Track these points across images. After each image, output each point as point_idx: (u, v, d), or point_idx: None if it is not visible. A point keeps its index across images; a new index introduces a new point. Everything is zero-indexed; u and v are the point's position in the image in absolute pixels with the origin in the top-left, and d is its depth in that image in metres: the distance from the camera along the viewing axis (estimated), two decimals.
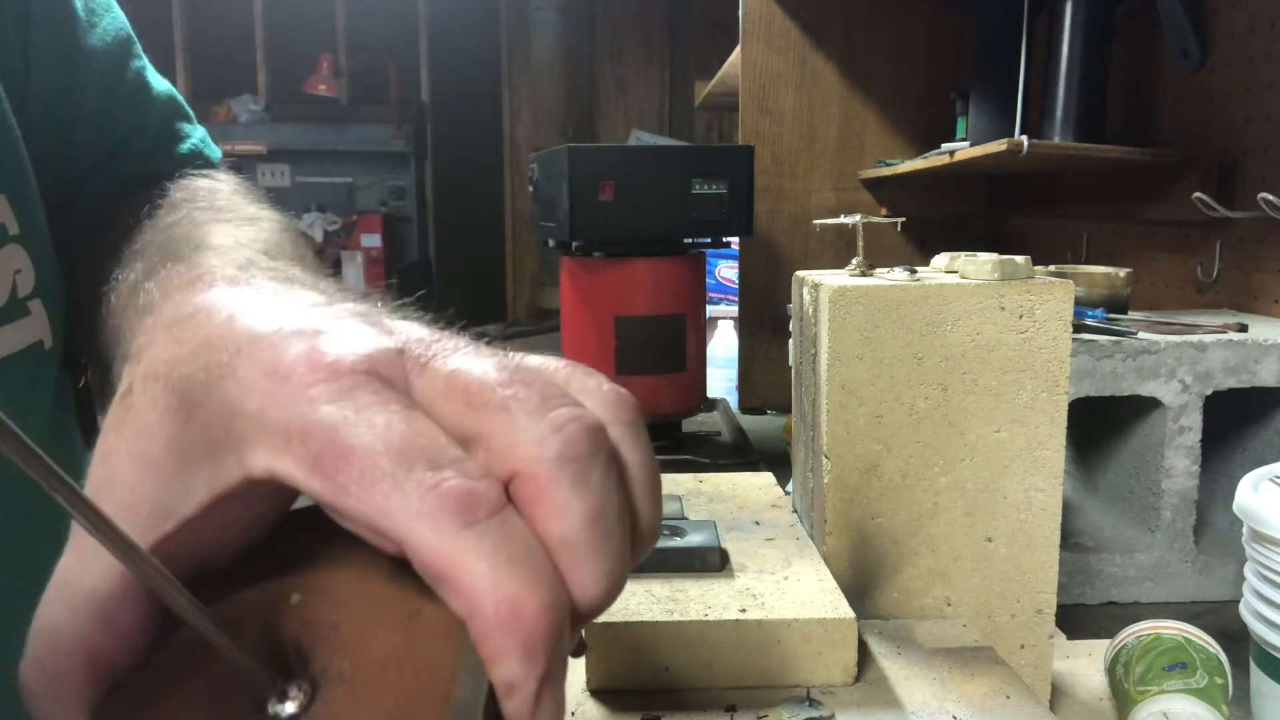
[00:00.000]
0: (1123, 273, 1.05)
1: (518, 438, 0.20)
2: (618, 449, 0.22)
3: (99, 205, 0.46)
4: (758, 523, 0.66)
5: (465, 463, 0.20)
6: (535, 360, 0.23)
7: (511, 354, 0.23)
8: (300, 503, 0.24)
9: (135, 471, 0.22)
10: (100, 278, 0.37)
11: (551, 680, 0.19)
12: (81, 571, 0.21)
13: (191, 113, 0.53)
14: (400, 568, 0.21)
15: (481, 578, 0.19)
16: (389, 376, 0.21)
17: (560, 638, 0.19)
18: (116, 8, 0.48)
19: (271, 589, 0.22)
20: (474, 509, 0.19)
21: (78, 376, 0.44)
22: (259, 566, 0.23)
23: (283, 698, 0.20)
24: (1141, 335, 0.89)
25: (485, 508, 0.19)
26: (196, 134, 0.52)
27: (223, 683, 0.21)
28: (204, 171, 0.49)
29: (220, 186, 0.46)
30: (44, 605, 0.21)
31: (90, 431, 0.44)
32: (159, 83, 0.50)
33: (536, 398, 0.21)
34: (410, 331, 0.23)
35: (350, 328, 0.23)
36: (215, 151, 0.52)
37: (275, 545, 0.24)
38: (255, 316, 0.23)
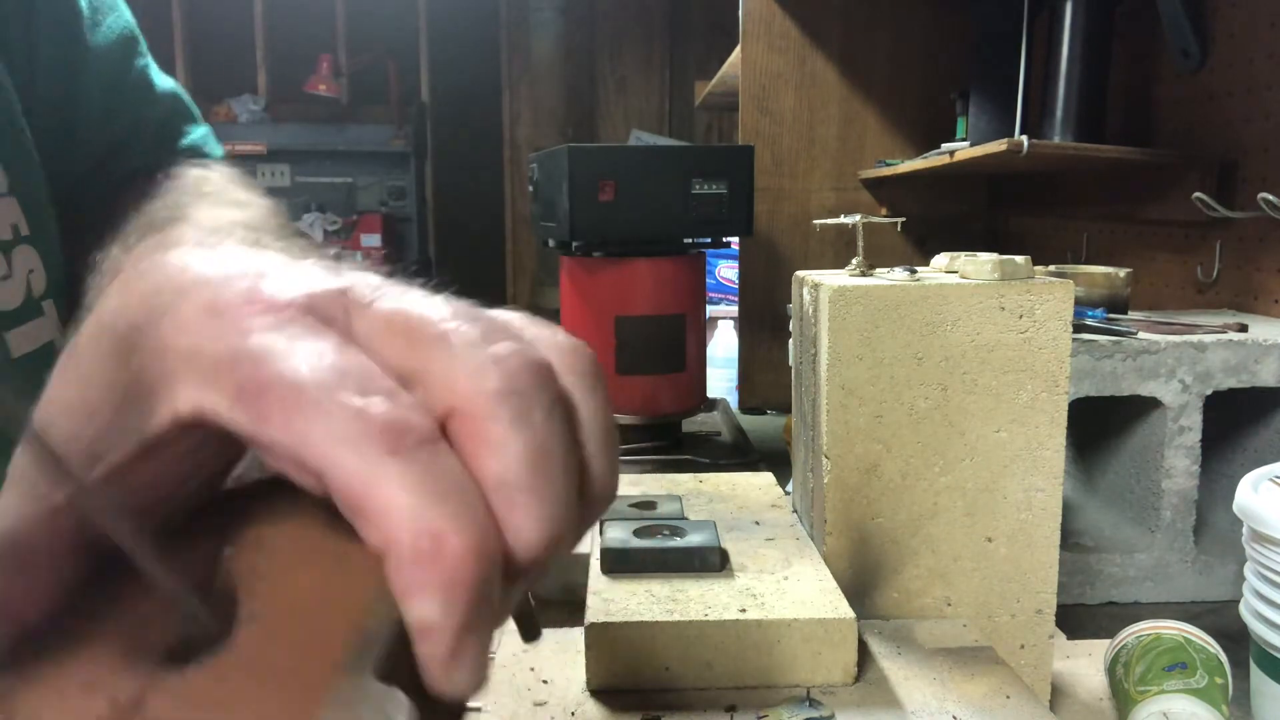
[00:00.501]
0: (1123, 273, 1.05)
1: (456, 371, 0.19)
2: (569, 395, 0.21)
3: (100, 202, 0.46)
4: (758, 523, 0.66)
5: (398, 394, 0.19)
6: (484, 309, 0.22)
7: (454, 300, 0.22)
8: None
9: (71, 419, 0.21)
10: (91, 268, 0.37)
11: (474, 632, 0.18)
12: (4, 518, 0.21)
13: (197, 111, 0.53)
14: (333, 518, 0.20)
15: (401, 509, 0.18)
16: (328, 314, 0.21)
17: (487, 585, 0.18)
18: (123, 6, 0.48)
19: (207, 543, 0.22)
20: (400, 436, 0.18)
21: None
22: (199, 525, 0.23)
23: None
24: (1141, 335, 0.89)
25: (413, 436, 0.18)
26: (198, 132, 0.52)
27: (134, 635, 0.21)
28: (199, 163, 0.49)
29: (210, 174, 0.46)
30: None
31: None
32: (163, 81, 0.50)
33: (478, 332, 0.20)
34: (358, 275, 0.22)
35: (297, 270, 0.22)
36: (217, 149, 0.52)
37: (220, 509, 0.24)
38: (206, 265, 0.23)
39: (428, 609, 0.17)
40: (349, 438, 0.18)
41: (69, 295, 0.41)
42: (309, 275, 0.22)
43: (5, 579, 0.20)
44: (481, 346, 0.20)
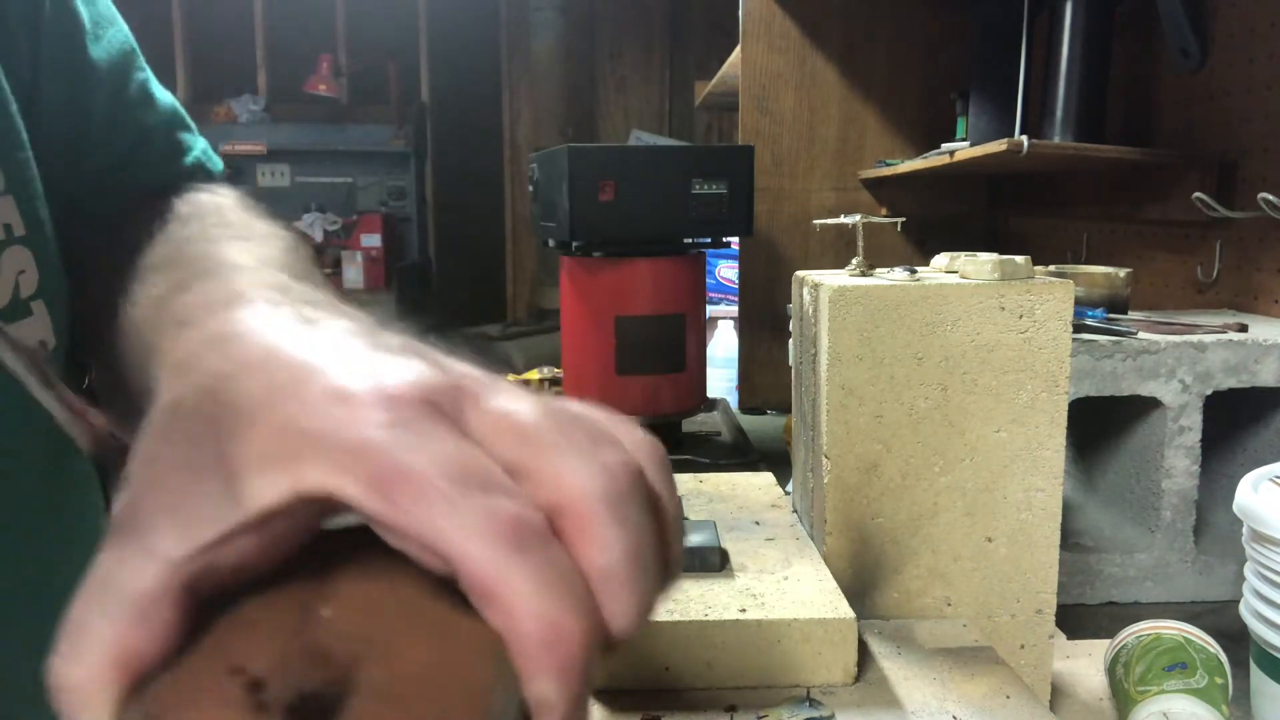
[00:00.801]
0: (1123, 273, 1.05)
1: (566, 473, 0.22)
2: (654, 491, 0.24)
3: (107, 215, 0.46)
4: (758, 523, 0.66)
5: (515, 491, 0.22)
6: (575, 405, 0.25)
7: (550, 398, 0.25)
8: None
9: (182, 477, 0.23)
10: (113, 287, 0.38)
11: (582, 702, 0.20)
12: (119, 570, 0.22)
13: (193, 124, 0.53)
14: (429, 585, 0.22)
15: (527, 599, 0.20)
16: (445, 408, 0.23)
17: (593, 664, 0.21)
18: (120, 20, 0.48)
19: (301, 598, 0.22)
20: (524, 532, 0.21)
21: (81, 378, 0.44)
22: (288, 581, 0.23)
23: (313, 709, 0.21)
24: (1141, 335, 0.89)
25: (534, 534, 0.21)
26: (199, 145, 0.52)
27: (253, 688, 0.21)
28: (206, 186, 0.49)
29: (225, 202, 0.47)
30: (79, 603, 0.22)
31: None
32: (162, 94, 0.50)
33: (586, 438, 0.23)
34: (461, 368, 0.25)
35: (407, 361, 0.24)
36: (217, 163, 0.53)
37: (303, 563, 0.24)
38: (311, 342, 0.25)
39: (549, 688, 0.20)
40: (479, 532, 0.20)
41: (69, 298, 0.41)
42: (421, 368, 0.24)
43: (124, 632, 0.21)
44: (589, 452, 0.23)
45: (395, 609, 0.22)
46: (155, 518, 0.22)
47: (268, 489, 0.22)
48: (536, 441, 0.22)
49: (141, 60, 0.49)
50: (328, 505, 0.22)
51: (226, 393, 0.24)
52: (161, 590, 0.22)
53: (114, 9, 0.48)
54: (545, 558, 0.21)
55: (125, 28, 0.48)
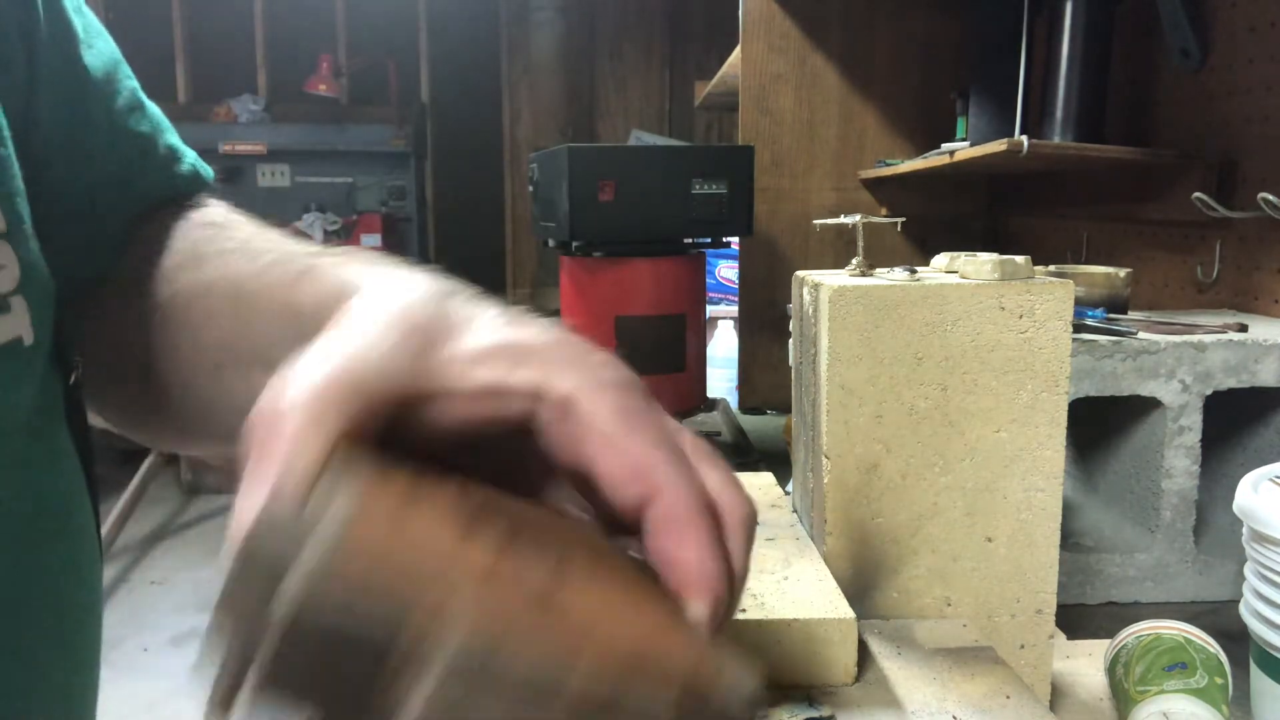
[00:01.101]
0: (1123, 273, 1.05)
1: (723, 488, 0.28)
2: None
3: (118, 222, 0.47)
4: (758, 523, 0.66)
5: (700, 478, 0.27)
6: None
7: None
8: None
9: (412, 337, 0.26)
10: (144, 283, 0.42)
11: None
12: (347, 334, 0.25)
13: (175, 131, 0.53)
14: (563, 521, 0.27)
15: (706, 562, 0.26)
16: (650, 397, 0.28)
17: (726, 618, 0.27)
18: (105, 32, 0.48)
19: (493, 492, 0.25)
20: (709, 516, 0.27)
21: (68, 373, 0.44)
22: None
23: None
24: (1141, 335, 0.89)
25: (712, 518, 0.27)
26: (190, 153, 0.52)
27: (478, 505, 0.23)
28: (213, 201, 0.50)
29: (244, 218, 0.48)
30: (306, 356, 0.25)
31: (81, 428, 0.44)
32: (149, 102, 0.51)
33: (729, 469, 0.29)
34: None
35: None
36: (208, 170, 0.53)
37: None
38: (500, 318, 0.29)
39: (703, 608, 0.26)
40: (682, 486, 0.26)
41: (49, 293, 0.41)
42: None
43: (356, 370, 0.24)
44: (735, 479, 0.29)
45: (580, 530, 0.27)
46: (372, 348, 0.25)
47: (513, 374, 0.26)
48: (699, 456, 0.28)
49: (128, 69, 0.49)
50: (532, 418, 0.26)
51: (456, 306, 0.28)
52: (374, 388, 0.24)
53: (98, 20, 0.48)
54: (716, 538, 0.26)
55: (110, 39, 0.48)
